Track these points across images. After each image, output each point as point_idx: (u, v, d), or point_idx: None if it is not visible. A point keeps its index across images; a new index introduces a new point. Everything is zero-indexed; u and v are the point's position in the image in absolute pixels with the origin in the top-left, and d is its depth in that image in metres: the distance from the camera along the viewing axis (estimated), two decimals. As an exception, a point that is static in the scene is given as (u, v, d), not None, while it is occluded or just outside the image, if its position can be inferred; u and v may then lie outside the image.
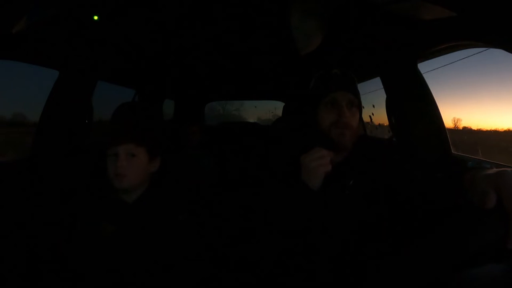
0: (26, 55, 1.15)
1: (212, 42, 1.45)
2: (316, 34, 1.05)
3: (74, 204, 0.93)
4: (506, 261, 0.41)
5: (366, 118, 2.22)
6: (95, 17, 1.05)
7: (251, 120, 3.87)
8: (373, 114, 2.14)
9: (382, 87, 1.53)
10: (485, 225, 0.42)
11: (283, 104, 3.02)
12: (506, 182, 0.43)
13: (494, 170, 0.47)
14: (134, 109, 1.32)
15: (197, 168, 1.65)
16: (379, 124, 2.18)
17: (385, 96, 1.52)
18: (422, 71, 1.30)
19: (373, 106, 2.02)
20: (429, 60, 1.27)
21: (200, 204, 1.03)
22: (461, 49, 1.07)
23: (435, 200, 0.63)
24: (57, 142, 1.32)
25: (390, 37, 1.22)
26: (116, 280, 0.80)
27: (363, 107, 1.57)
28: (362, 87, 1.91)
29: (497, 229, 0.41)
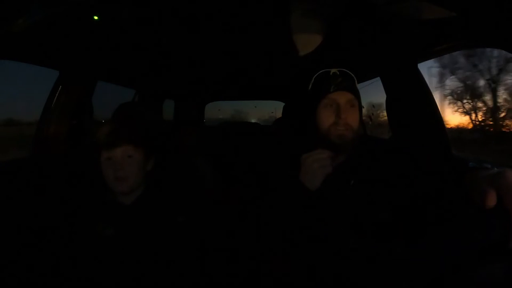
0: (26, 55, 1.15)
1: (212, 42, 1.45)
2: (316, 34, 1.05)
3: (72, 205, 0.92)
4: (507, 261, 0.41)
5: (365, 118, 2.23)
6: (95, 17, 1.05)
7: (252, 120, 3.90)
8: (373, 114, 2.15)
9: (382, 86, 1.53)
10: (485, 225, 0.42)
11: (282, 104, 3.02)
12: (507, 182, 0.43)
13: (495, 170, 0.47)
14: (131, 109, 1.29)
15: (195, 170, 1.64)
16: (379, 123, 2.18)
17: (385, 96, 1.52)
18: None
19: (373, 106, 2.03)
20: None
21: (198, 205, 1.02)
22: (461, 49, 1.08)
23: (436, 200, 0.63)
24: (56, 142, 1.32)
25: (390, 37, 1.22)
26: (115, 282, 0.80)
27: (363, 107, 1.57)
28: (362, 86, 1.92)
29: (497, 228, 0.41)
